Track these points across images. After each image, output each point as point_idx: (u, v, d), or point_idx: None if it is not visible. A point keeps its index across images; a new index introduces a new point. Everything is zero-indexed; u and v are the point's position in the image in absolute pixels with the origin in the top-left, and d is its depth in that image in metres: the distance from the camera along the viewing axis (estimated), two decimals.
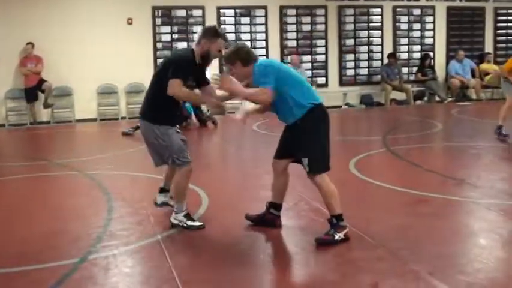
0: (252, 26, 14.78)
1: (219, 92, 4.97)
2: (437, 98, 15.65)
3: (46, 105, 13.00)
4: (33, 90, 12.98)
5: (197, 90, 5.08)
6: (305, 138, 4.49)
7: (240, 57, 4.60)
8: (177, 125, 4.98)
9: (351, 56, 15.71)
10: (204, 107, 12.10)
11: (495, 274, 3.90)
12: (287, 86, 4.48)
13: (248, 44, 14.53)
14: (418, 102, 15.71)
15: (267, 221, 4.89)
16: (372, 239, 4.51)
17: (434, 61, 16.16)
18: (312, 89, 4.77)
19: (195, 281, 3.87)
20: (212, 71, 13.78)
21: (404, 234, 4.66)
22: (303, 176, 5.24)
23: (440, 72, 16.06)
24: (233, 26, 14.61)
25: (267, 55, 14.81)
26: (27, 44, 12.92)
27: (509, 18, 16.96)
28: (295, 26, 15.15)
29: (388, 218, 5.09)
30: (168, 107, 4.85)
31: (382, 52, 15.83)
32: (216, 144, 10.61)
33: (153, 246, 4.55)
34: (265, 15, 14.83)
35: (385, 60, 15.54)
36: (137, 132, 10.54)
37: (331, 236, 4.42)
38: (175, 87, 4.69)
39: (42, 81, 12.93)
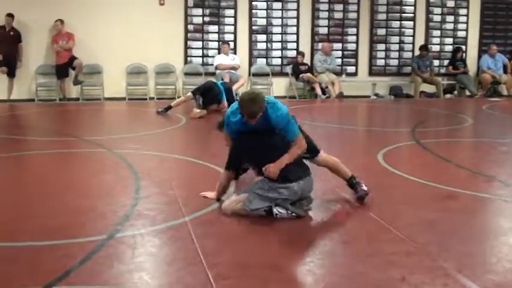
0: (283, 12, 14.67)
1: None
2: (467, 93, 15.46)
3: (76, 82, 13.10)
4: (64, 66, 13.05)
5: None
6: None
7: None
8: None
9: (382, 46, 15.54)
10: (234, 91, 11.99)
11: None
12: None
13: (279, 30, 14.51)
14: (448, 95, 15.53)
15: None
16: (400, 232, 4.45)
17: (466, 54, 15.92)
18: None
19: (221, 264, 3.83)
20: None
21: (433, 229, 4.61)
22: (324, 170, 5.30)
23: (471, 66, 15.80)
24: (265, 12, 14.53)
25: (297, 42, 14.75)
26: (56, 21, 12.98)
27: None
28: (327, 13, 15.01)
29: (416, 211, 5.04)
30: None
31: (413, 43, 15.64)
32: None
33: (180, 227, 4.54)
34: (297, 2, 14.70)
35: (417, 52, 15.36)
36: (169, 113, 10.59)
37: None
38: None
39: (73, 58, 12.99)
